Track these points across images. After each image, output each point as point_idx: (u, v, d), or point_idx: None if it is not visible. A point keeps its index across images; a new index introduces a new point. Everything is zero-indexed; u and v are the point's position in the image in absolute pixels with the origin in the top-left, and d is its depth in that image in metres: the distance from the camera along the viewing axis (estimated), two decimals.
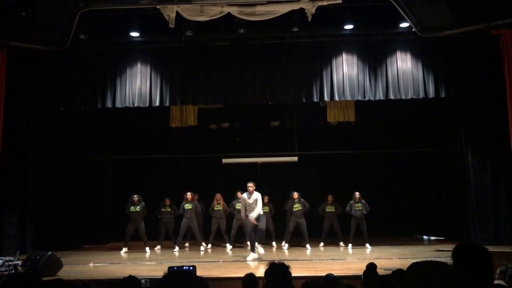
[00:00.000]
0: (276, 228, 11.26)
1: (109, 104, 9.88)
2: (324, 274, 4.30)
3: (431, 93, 9.61)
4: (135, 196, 10.71)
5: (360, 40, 9.89)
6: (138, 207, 10.62)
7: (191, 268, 4.42)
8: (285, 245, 10.82)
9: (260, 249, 9.04)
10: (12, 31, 8.97)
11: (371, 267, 4.68)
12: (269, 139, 12.74)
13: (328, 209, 11.06)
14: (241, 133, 13.17)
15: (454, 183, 11.26)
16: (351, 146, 12.57)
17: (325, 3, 8.29)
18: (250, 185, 8.95)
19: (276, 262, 2.79)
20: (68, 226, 10.83)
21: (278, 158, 12.19)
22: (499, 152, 9.56)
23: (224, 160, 12.06)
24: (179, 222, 10.90)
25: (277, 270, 2.72)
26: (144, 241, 10.62)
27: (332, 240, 11.18)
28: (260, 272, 5.35)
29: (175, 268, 4.37)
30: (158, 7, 8.42)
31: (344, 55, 9.82)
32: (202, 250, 10.64)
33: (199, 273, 4.56)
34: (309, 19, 8.48)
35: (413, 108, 10.99)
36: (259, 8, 8.42)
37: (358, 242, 10.64)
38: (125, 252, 10.36)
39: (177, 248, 10.60)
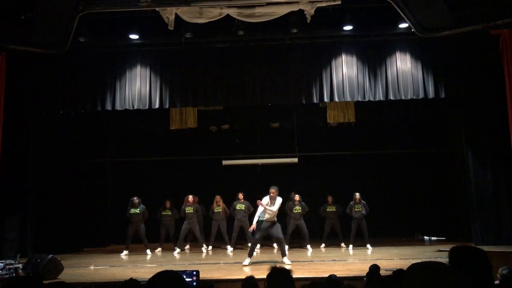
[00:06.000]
0: None
1: (108, 106, 9.88)
2: (326, 275, 4.29)
3: (431, 93, 9.60)
4: (135, 198, 10.71)
5: (359, 41, 9.88)
6: (138, 209, 10.63)
7: (194, 272, 4.38)
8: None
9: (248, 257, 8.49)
10: (12, 34, 8.96)
11: (374, 269, 4.66)
12: (269, 140, 12.72)
13: (329, 209, 11.11)
14: (241, 134, 13.15)
15: (454, 183, 11.24)
16: (351, 147, 12.55)
17: (324, 4, 8.29)
18: (273, 191, 8.33)
19: (278, 267, 2.76)
20: (68, 229, 10.81)
21: (278, 159, 12.17)
22: (499, 152, 9.54)
23: (224, 162, 12.04)
24: (180, 225, 10.89)
25: (279, 275, 2.69)
26: (145, 243, 10.61)
27: (333, 241, 11.18)
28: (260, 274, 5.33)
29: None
30: (157, 9, 8.42)
31: (344, 56, 9.82)
32: (203, 252, 10.63)
33: (200, 275, 4.54)
34: (308, 20, 8.48)
35: (413, 109, 10.98)
36: (258, 10, 8.42)
37: (359, 243, 10.63)
38: (125, 255, 10.35)
39: (177, 250, 10.59)
